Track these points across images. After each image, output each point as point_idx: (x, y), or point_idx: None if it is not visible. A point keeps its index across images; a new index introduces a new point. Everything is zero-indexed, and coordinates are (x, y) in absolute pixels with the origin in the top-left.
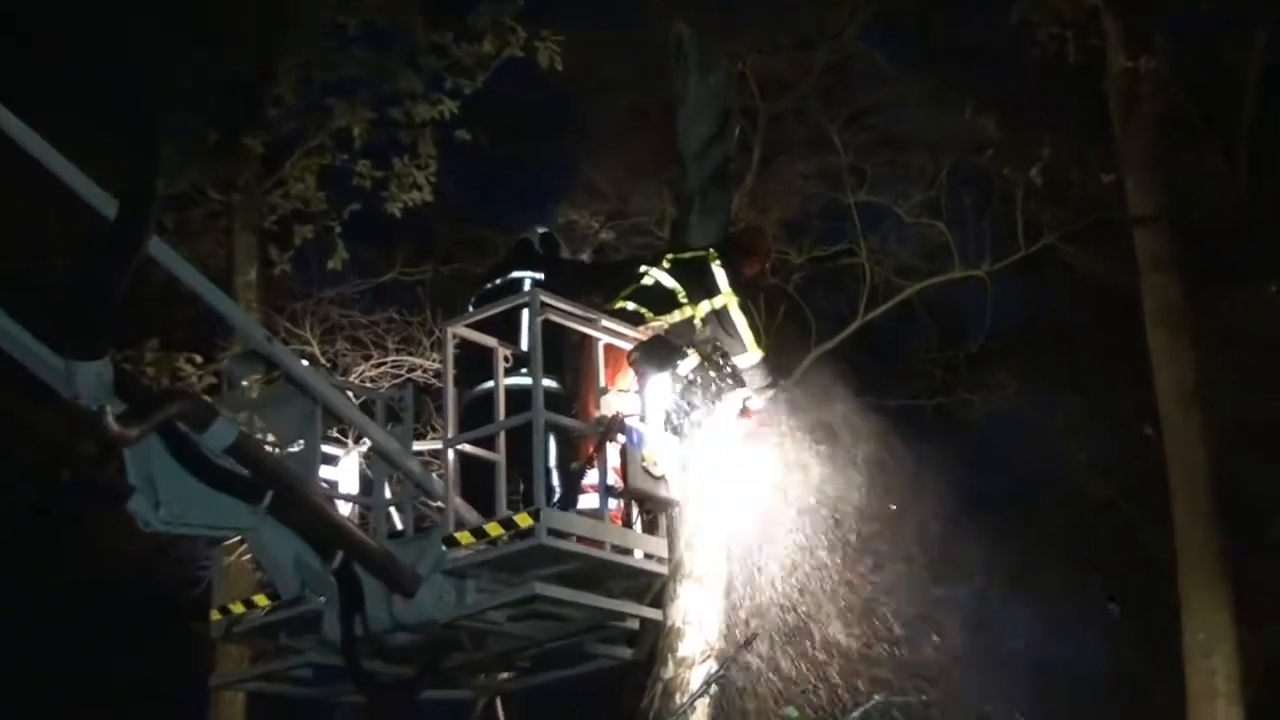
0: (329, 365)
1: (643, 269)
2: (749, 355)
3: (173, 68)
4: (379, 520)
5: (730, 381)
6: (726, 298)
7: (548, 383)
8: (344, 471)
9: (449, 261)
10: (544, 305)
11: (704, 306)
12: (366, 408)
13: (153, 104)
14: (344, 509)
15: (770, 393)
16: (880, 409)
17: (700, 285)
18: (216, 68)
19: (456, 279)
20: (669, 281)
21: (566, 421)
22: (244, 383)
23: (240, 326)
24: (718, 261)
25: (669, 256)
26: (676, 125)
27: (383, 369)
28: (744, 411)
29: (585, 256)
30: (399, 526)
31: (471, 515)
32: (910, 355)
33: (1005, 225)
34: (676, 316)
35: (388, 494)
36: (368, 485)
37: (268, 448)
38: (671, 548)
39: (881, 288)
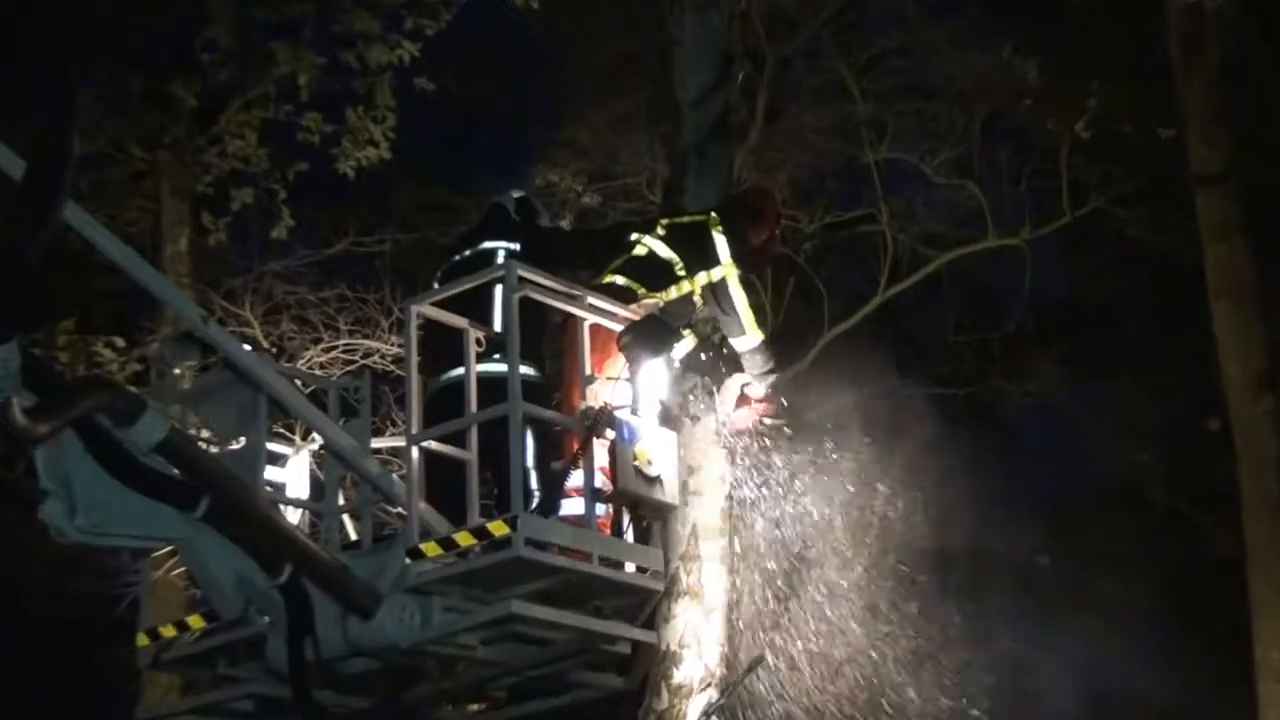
0: (273, 350)
1: (634, 237)
2: (747, 338)
3: (90, 5)
4: (332, 529)
5: (728, 367)
6: (726, 270)
7: (526, 370)
8: (292, 473)
9: (411, 230)
10: (521, 280)
11: (701, 279)
12: (317, 399)
13: (67, 47)
14: (292, 516)
15: (771, 380)
16: (904, 399)
17: (699, 255)
18: (141, 5)
19: (420, 250)
20: (664, 251)
21: (548, 414)
22: (175, 370)
23: (170, 305)
24: (719, 228)
25: (664, 222)
26: (671, 71)
27: (335, 354)
28: (742, 400)
29: (567, 223)
30: (355, 537)
31: (438, 523)
32: (938, 337)
33: (1047, 187)
34: (673, 292)
35: (342, 499)
36: (319, 489)
37: (203, 445)
38: (667, 560)
39: (906, 259)
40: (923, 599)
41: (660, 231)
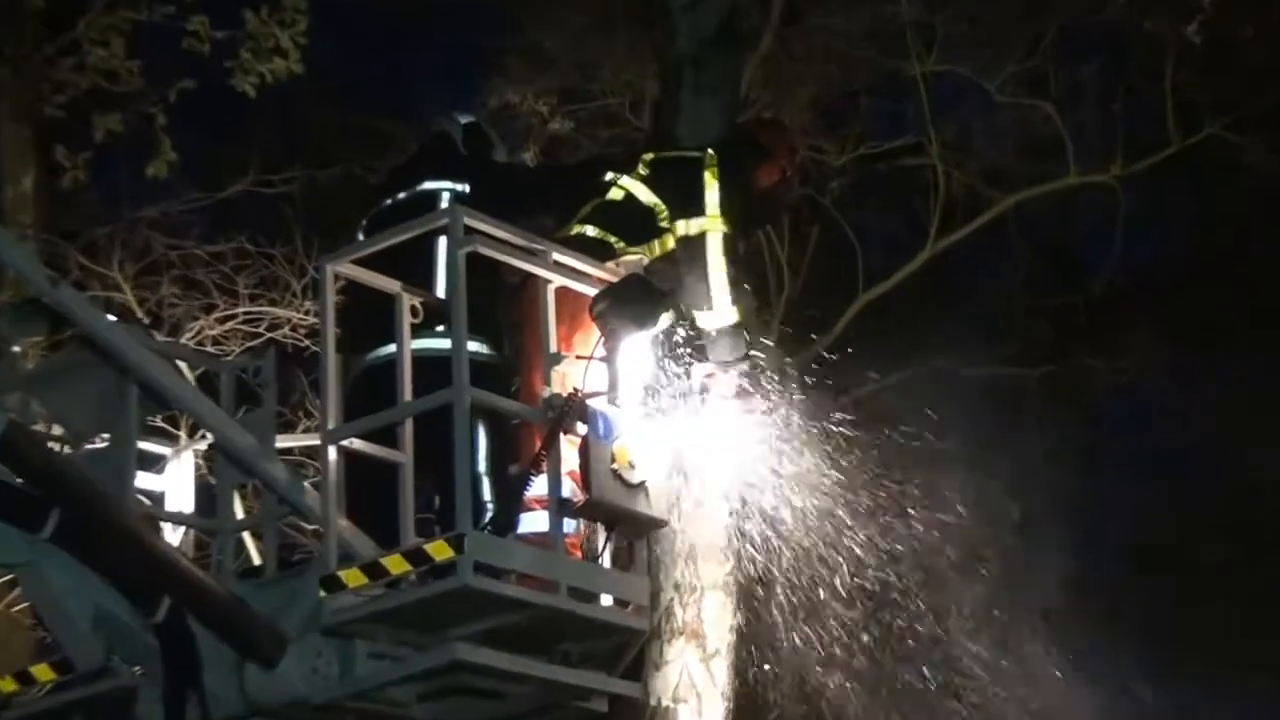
0: (148, 320)
1: (611, 177)
2: (715, 314)
3: None
4: (225, 552)
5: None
6: (708, 223)
7: (475, 346)
8: (172, 480)
9: (328, 166)
10: (469, 231)
11: (680, 228)
12: (207, 384)
13: None
14: (173, 536)
15: (738, 367)
16: (960, 381)
17: (681, 198)
18: None
19: (340, 192)
20: (646, 195)
21: (503, 403)
22: (15, 348)
23: (8, 263)
24: (715, 169)
25: (647, 158)
26: None
27: (232, 326)
28: (702, 389)
29: (530, 158)
30: (256, 561)
31: (363, 545)
32: (1005, 302)
33: (1146, 108)
34: (657, 247)
35: (239, 513)
36: (208, 500)
37: (53, 445)
38: (656, 591)
39: (961, 201)
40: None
41: (643, 170)
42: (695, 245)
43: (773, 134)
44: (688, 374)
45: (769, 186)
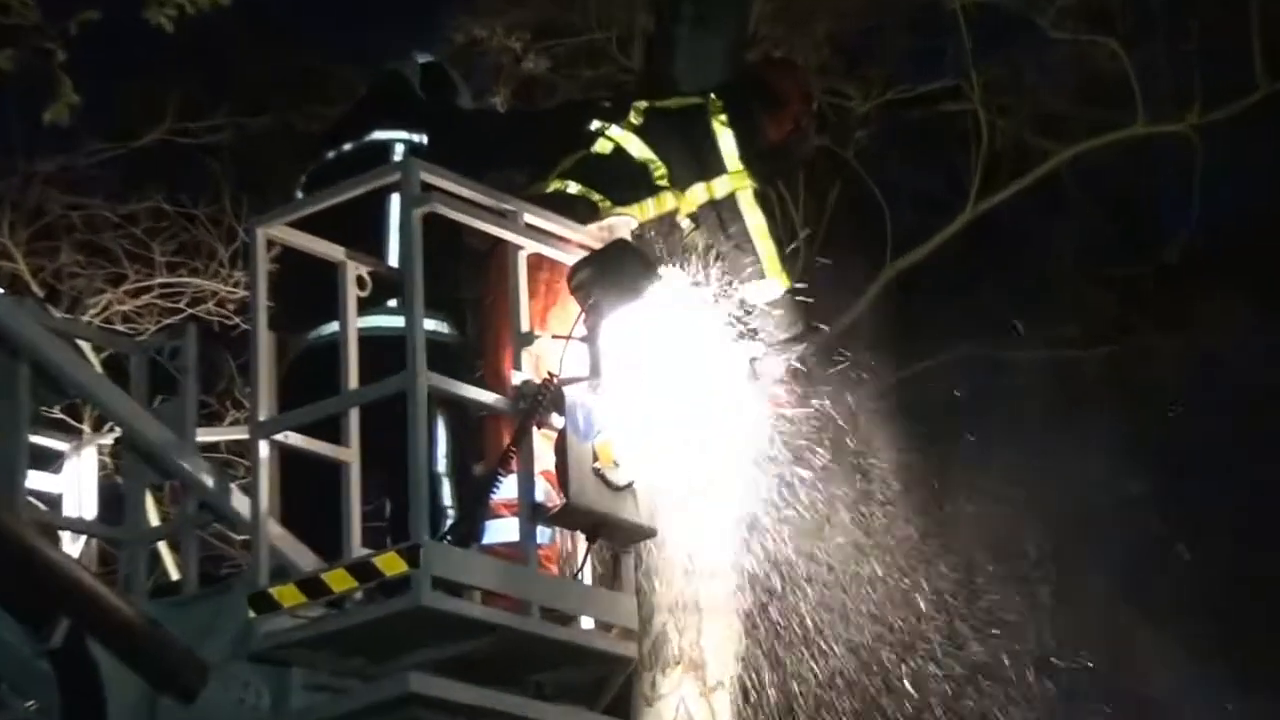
0: (43, 293)
1: (597, 125)
2: (765, 283)
3: None
4: (135, 566)
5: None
6: (734, 181)
7: (434, 324)
8: (72, 481)
9: (261, 112)
10: (427, 188)
11: (697, 193)
12: (116, 368)
13: None
14: (71, 546)
15: (798, 346)
16: (1006, 364)
17: (692, 157)
18: None
19: (275, 143)
20: (639, 148)
21: (466, 391)
22: None
23: None
24: (722, 117)
25: (640, 105)
26: None
27: (146, 300)
28: (754, 376)
29: (499, 103)
30: (173, 576)
31: (300, 556)
32: (1058, 272)
33: (1227, 47)
34: (651, 207)
35: (153, 519)
36: (115, 505)
37: None
38: (647, 612)
39: (1008, 154)
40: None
41: (635, 119)
42: (726, 209)
43: (784, 77)
44: (723, 358)
45: (780, 139)
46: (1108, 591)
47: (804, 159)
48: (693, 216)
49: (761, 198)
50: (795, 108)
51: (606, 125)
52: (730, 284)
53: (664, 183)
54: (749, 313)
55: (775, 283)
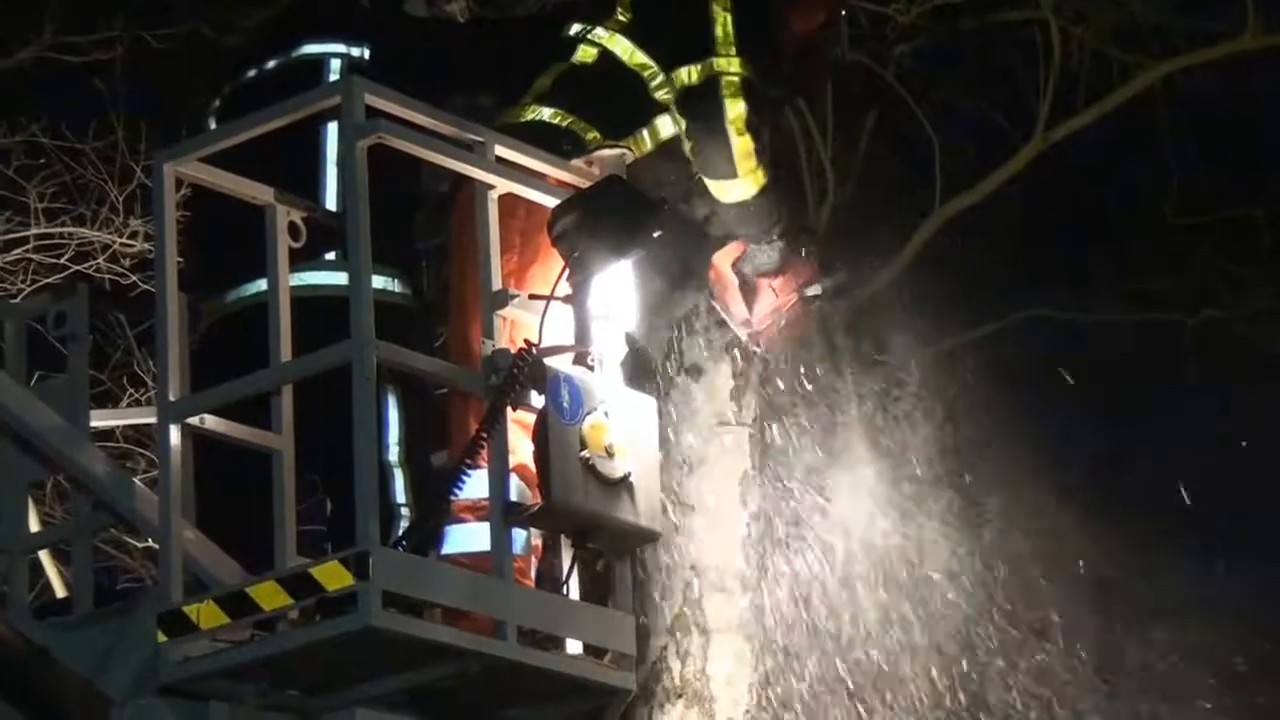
0: None
1: (576, 30)
2: (734, 183)
3: None
4: (15, 580)
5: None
6: (718, 63)
7: (383, 281)
8: None
9: (164, 23)
10: (372, 114)
11: (679, 78)
12: None
13: None
14: None
15: (776, 237)
16: (1081, 329)
17: (680, 39)
18: None
19: (181, 60)
20: (631, 52)
21: (425, 364)
22: None
23: None
24: (725, 2)
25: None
26: None
27: (22, 255)
28: (748, 291)
29: (459, 8)
30: (61, 593)
31: (220, 567)
32: (1146, 218)
33: None
34: (647, 139)
35: (35, 524)
36: None
37: None
38: (645, 633)
39: (1085, 73)
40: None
41: (622, 14)
42: (702, 95)
43: None
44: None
45: (806, 33)
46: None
47: (834, 63)
48: (676, 108)
49: (750, 90)
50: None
51: (588, 28)
52: (696, 180)
53: (663, 93)
54: (714, 214)
55: (745, 183)
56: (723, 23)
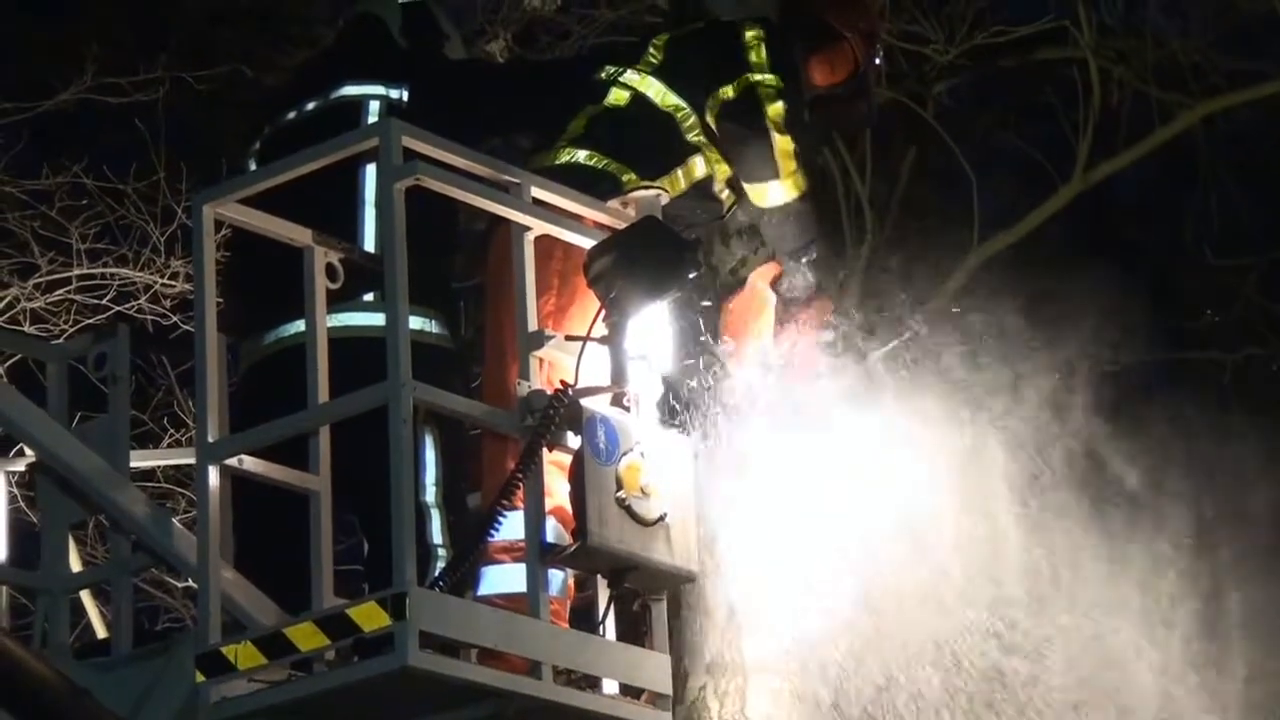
0: None
1: (608, 74)
2: (773, 185)
3: None
4: (56, 619)
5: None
6: (758, 78)
7: (420, 322)
8: None
9: (205, 64)
10: (409, 155)
11: (712, 100)
12: (27, 377)
13: None
14: None
15: (812, 257)
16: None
17: (714, 69)
18: None
19: (222, 102)
20: (664, 94)
21: (461, 405)
22: None
23: None
24: (755, 32)
25: (659, 40)
26: None
27: (64, 295)
28: (782, 303)
29: (497, 50)
30: (100, 632)
31: (258, 607)
32: (1188, 257)
33: None
34: (681, 178)
35: (76, 563)
36: (30, 545)
37: None
38: (681, 673)
39: (1126, 112)
40: None
41: (654, 57)
42: (741, 102)
43: (843, 7)
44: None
45: (827, 85)
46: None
47: (860, 117)
48: (707, 135)
49: (790, 101)
50: (855, 49)
51: (620, 70)
52: (735, 185)
53: (694, 135)
54: (751, 220)
55: (786, 185)
56: (756, 49)
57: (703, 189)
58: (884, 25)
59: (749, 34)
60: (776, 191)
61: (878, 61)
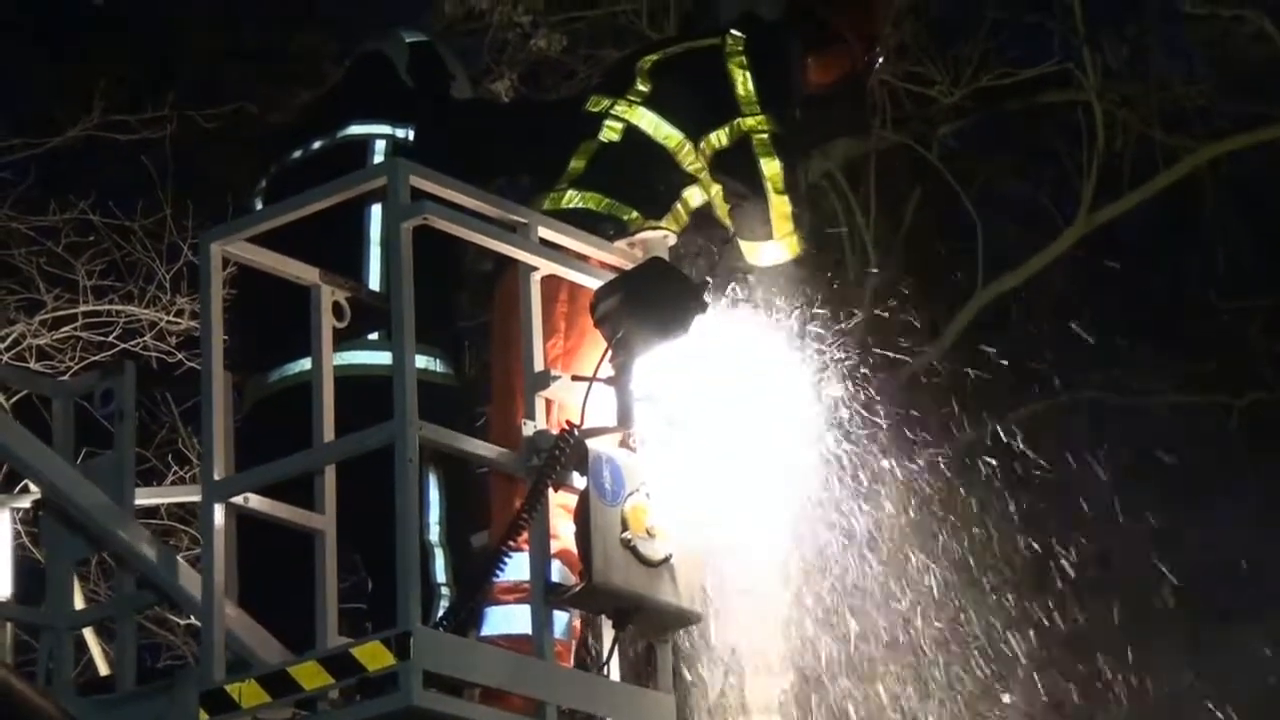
0: None
1: (596, 106)
2: (772, 245)
3: None
4: (60, 656)
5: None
6: (746, 122)
7: (426, 361)
8: None
9: (212, 102)
10: (416, 195)
11: (706, 144)
12: (32, 414)
13: None
14: None
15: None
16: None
17: (702, 106)
18: None
19: (229, 139)
20: (656, 125)
21: (466, 444)
22: None
23: None
24: (741, 59)
25: (644, 65)
26: None
27: (69, 331)
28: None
29: (503, 89)
30: (104, 669)
31: (262, 646)
32: (1193, 300)
33: None
34: (682, 213)
35: (80, 600)
36: (34, 582)
37: None
38: (685, 713)
39: (1130, 155)
40: None
41: (642, 84)
42: (735, 156)
43: (844, 8)
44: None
45: (821, 85)
46: None
47: (854, 120)
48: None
49: (782, 145)
50: (853, 47)
51: (610, 103)
52: (730, 243)
53: (691, 165)
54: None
55: (780, 246)
56: (742, 81)
57: (700, 215)
58: (897, 34)
59: (732, 63)
60: (771, 251)
61: (878, 64)
